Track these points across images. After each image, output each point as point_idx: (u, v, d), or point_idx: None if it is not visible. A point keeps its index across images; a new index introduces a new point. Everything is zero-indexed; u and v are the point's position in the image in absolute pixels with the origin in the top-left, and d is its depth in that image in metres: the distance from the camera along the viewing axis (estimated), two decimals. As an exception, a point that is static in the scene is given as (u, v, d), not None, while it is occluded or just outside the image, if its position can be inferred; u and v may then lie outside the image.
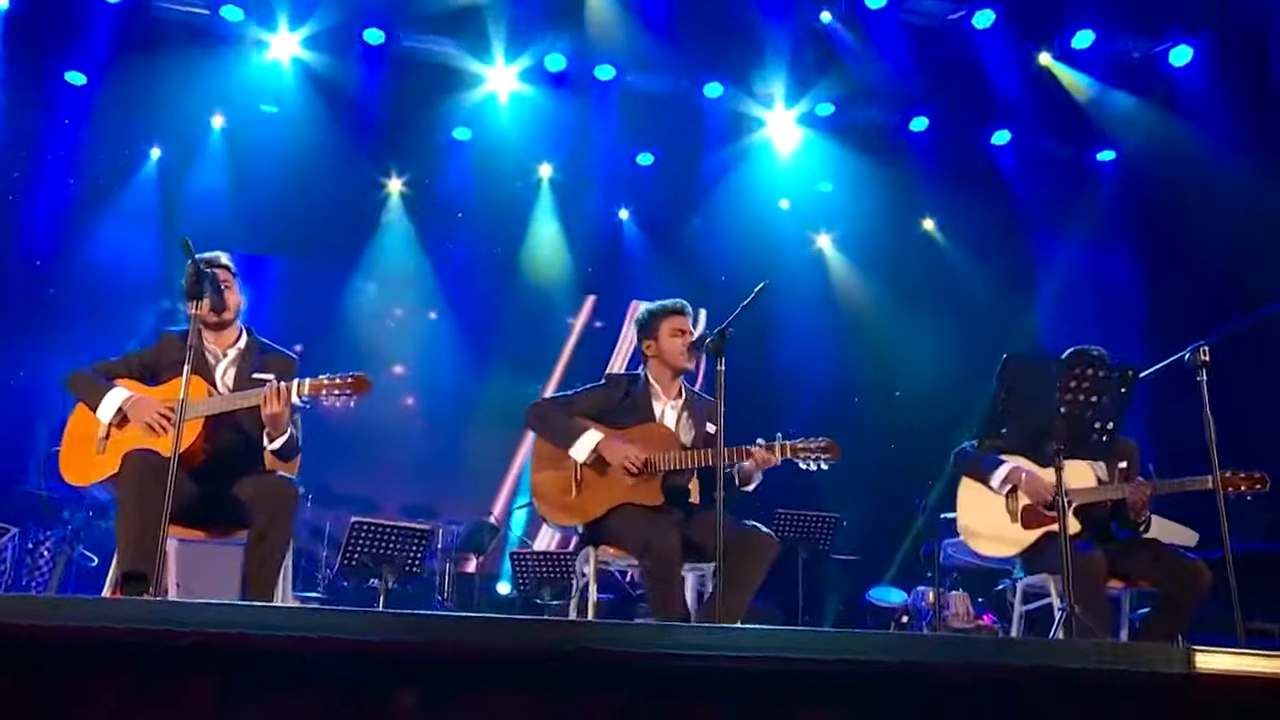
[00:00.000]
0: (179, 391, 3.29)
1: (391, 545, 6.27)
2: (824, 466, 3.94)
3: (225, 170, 9.04)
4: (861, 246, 10.06)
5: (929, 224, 10.17)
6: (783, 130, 9.80)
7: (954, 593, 6.78)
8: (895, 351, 9.62)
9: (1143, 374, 3.65)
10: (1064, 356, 4.14)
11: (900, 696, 1.93)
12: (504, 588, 8.90)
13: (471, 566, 8.68)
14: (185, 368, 3.27)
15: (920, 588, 7.07)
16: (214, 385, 3.84)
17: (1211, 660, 1.84)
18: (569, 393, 4.20)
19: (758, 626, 1.96)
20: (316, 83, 8.80)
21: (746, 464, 3.92)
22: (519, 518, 8.89)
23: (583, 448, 3.95)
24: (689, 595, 4.15)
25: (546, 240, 10.32)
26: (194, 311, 3.42)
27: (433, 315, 10.13)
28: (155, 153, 9.05)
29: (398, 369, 9.50)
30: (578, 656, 1.69)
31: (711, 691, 1.89)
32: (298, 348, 4.68)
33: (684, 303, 4.26)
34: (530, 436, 4.15)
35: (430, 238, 9.97)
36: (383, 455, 9.00)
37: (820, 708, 1.96)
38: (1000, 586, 6.34)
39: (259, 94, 8.83)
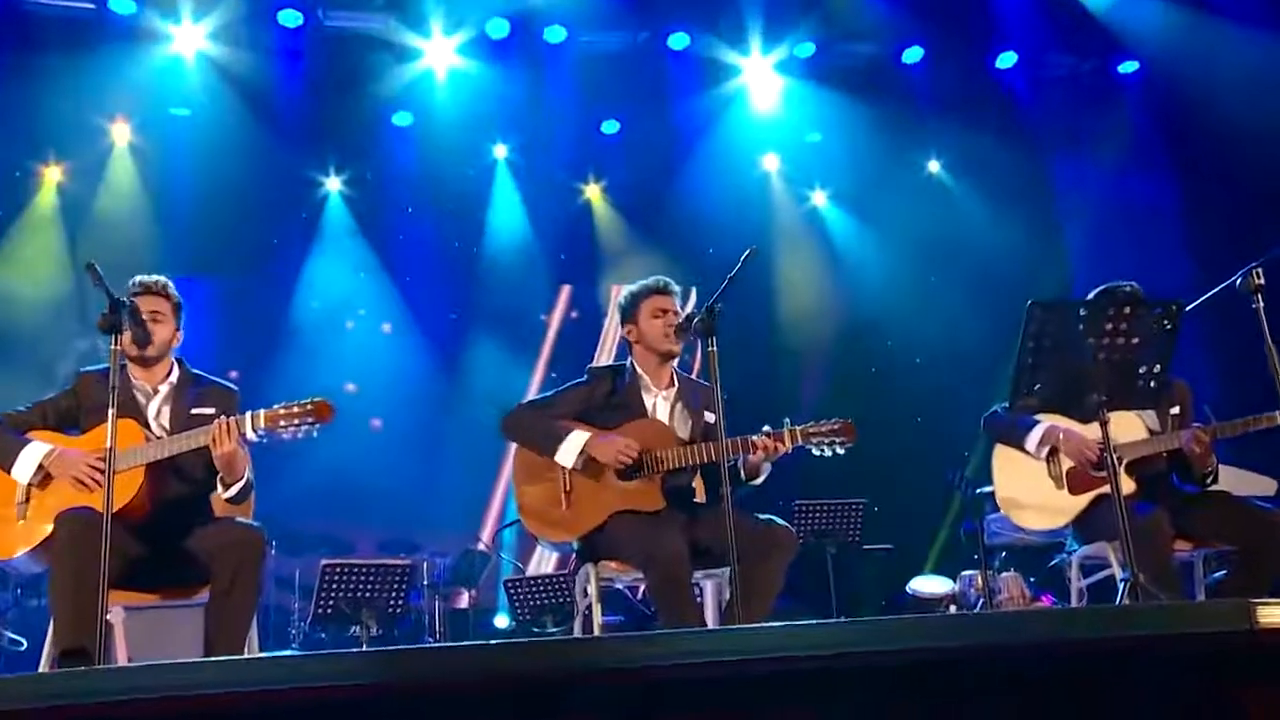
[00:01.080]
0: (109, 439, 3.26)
1: (369, 586, 6.25)
2: (840, 451, 3.92)
3: (136, 184, 9.00)
4: (862, 199, 10.07)
5: (935, 166, 10.18)
6: (760, 79, 9.80)
7: (1005, 574, 6.80)
8: (912, 313, 9.64)
9: (1189, 306, 3.65)
10: (1092, 297, 4.14)
11: (946, 684, 1.94)
12: (502, 621, 8.90)
13: (464, 601, 8.68)
14: (110, 411, 3.25)
15: (966, 573, 7.08)
16: (148, 427, 3.81)
17: (1277, 615, 1.85)
18: (548, 394, 4.18)
19: (786, 624, 1.96)
20: (230, 78, 8.76)
21: (752, 455, 3.92)
22: (508, 539, 8.88)
23: (569, 451, 3.94)
24: (709, 605, 4.15)
25: (510, 228, 10.31)
26: (114, 347, 3.39)
27: (386, 328, 10.12)
28: (52, 170, 8.92)
29: (350, 387, 9.47)
30: (576, 680, 1.69)
31: (738, 700, 1.90)
32: (233, 374, 4.67)
33: (665, 280, 4.24)
34: (512, 449, 4.14)
35: (379, 238, 9.96)
36: (350, 488, 8.99)
37: (868, 706, 1.97)
38: (1055, 562, 6.34)
39: (165, 96, 8.77)
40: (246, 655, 3.53)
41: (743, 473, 4.04)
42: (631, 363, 4.21)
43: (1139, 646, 1.89)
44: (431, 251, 9.98)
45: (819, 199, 10.47)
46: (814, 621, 2.00)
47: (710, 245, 9.46)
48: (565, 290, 10.64)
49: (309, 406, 3.60)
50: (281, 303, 9.66)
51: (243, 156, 8.74)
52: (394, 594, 6.30)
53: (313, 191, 9.84)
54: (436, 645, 7.47)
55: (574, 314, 10.58)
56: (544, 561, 9.28)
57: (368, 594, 6.28)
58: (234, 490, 3.74)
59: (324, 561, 6.37)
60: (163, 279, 3.94)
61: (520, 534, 8.47)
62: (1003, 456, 4.44)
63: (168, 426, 3.83)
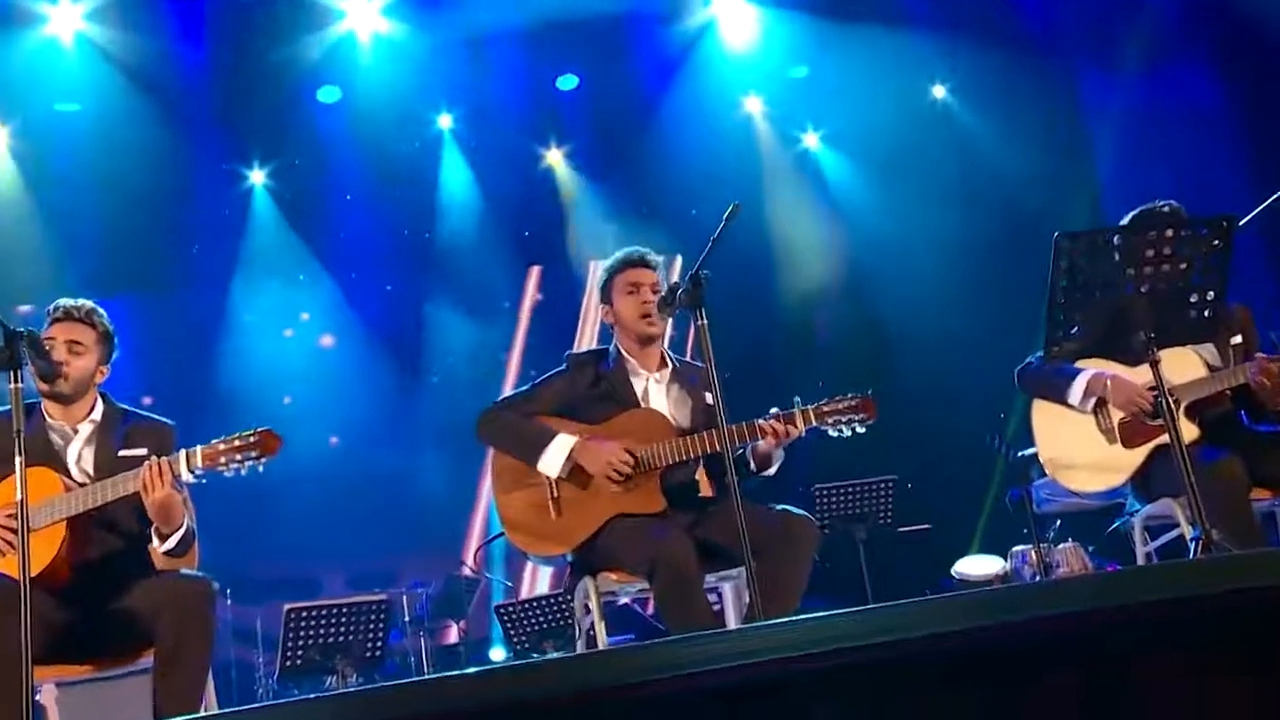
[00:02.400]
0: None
1: (342, 629, 6.25)
2: (860, 430, 3.91)
3: (21, 194, 8.91)
4: (860, 137, 10.04)
5: (940, 91, 10.16)
6: (732, 10, 9.77)
7: (1062, 546, 6.81)
8: (927, 261, 9.63)
9: (1242, 221, 3.63)
10: (1128, 222, 4.11)
11: (1001, 669, 1.94)
12: (499, 654, 8.90)
13: (453, 635, 8.69)
14: (18, 459, 3.20)
15: (1018, 548, 7.10)
16: (68, 475, 3.77)
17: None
18: (525, 388, 4.16)
19: (807, 617, 1.96)
20: (120, 65, 8.67)
21: (761, 442, 3.90)
22: (496, 556, 8.90)
23: (553, 459, 3.93)
24: (730, 611, 4.15)
25: (465, 208, 10.29)
26: (13, 385, 3.34)
27: (327, 341, 10.09)
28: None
29: (286, 399, 9.45)
30: (566, 705, 1.69)
31: (759, 713, 1.90)
32: (146, 400, 4.63)
33: (640, 251, 4.21)
34: (490, 454, 4.13)
35: (316, 233, 9.92)
36: (309, 520, 8.98)
37: (914, 702, 1.97)
38: (1115, 526, 6.35)
39: (46, 89, 8.66)
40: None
41: (752, 463, 4.02)
42: (616, 346, 4.19)
43: (1207, 605, 1.88)
44: (378, 242, 9.95)
45: (811, 141, 10.45)
46: (839, 612, 1.98)
47: (693, 206, 9.45)
48: (534, 272, 10.63)
49: (252, 438, 3.58)
50: (210, 318, 9.62)
51: (146, 155, 8.68)
52: (371, 635, 6.29)
53: (234, 187, 9.79)
54: (415, 680, 7.48)
55: (542, 297, 10.58)
56: (539, 579, 9.30)
57: (341, 638, 6.26)
58: (172, 541, 3.70)
59: (287, 606, 6.36)
60: (88, 304, 3.88)
61: (508, 550, 8.46)
62: (1043, 413, 4.43)
63: (91, 472, 3.78)
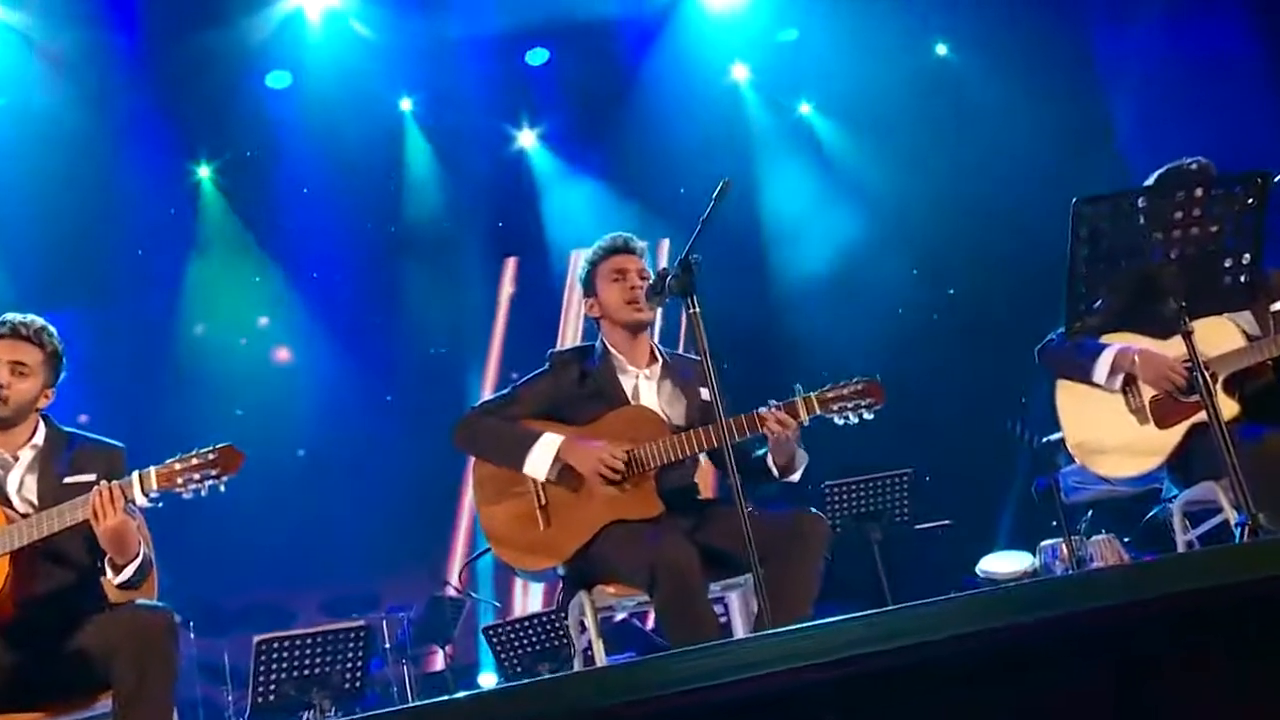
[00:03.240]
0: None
1: (318, 660, 6.23)
2: (868, 416, 3.92)
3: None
4: (858, 104, 10.05)
5: (941, 49, 10.17)
6: (713, -30, 9.79)
7: (1095, 539, 6.82)
8: (936, 237, 9.65)
9: (1279, 177, 3.64)
10: (1152, 182, 4.11)
11: (1027, 670, 1.94)
12: (489, 679, 8.91)
13: (438, 662, 8.70)
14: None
15: (1048, 543, 7.11)
16: (9, 505, 3.76)
17: None
18: (506, 391, 4.17)
19: (816, 623, 1.97)
20: (46, 55, 8.63)
21: (772, 438, 3.90)
22: (483, 574, 8.92)
23: (540, 460, 3.93)
24: (737, 621, 4.15)
25: (432, 198, 10.28)
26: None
27: (286, 348, 10.07)
28: None
29: (239, 412, 9.43)
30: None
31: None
32: (82, 418, 4.58)
33: (624, 236, 4.23)
34: (470, 463, 4.14)
35: (271, 231, 9.91)
36: (278, 542, 8.97)
37: (948, 706, 1.98)
38: (1153, 514, 6.36)
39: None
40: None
41: (773, 467, 4.02)
42: (601, 341, 4.21)
43: (1258, 592, 1.89)
44: (339, 238, 9.94)
45: (804, 109, 10.45)
46: (853, 616, 1.99)
47: (680, 184, 9.45)
48: (510, 264, 10.64)
49: (211, 456, 3.58)
50: (157, 327, 9.61)
51: (79, 152, 8.65)
52: (350, 664, 6.28)
53: (179, 184, 9.77)
54: (399, 709, 7.49)
55: (520, 291, 10.58)
56: (530, 597, 9.31)
57: (317, 669, 6.24)
58: (128, 572, 3.69)
59: (257, 638, 6.34)
60: (38, 321, 3.84)
61: (496, 566, 8.49)
62: (1068, 394, 4.43)
63: (35, 502, 3.76)
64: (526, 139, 10.45)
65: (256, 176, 9.82)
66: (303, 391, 9.84)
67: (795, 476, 4.06)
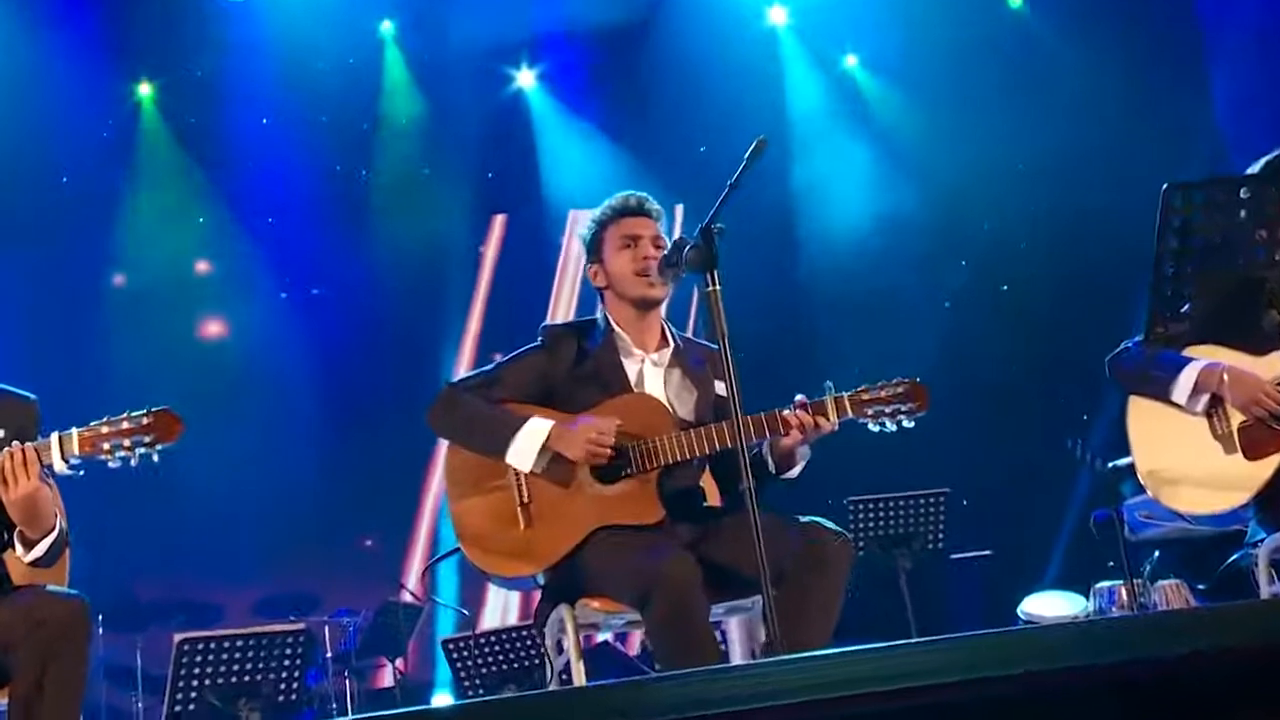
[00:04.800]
0: None
1: (248, 666, 6.26)
2: (908, 424, 3.91)
3: None
4: (912, 59, 10.06)
5: (1016, 2, 10.15)
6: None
7: (1161, 583, 6.83)
8: (995, 218, 9.66)
9: None
10: (1258, 170, 4.12)
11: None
12: (444, 699, 8.95)
13: (387, 677, 8.72)
14: None
15: (1104, 585, 7.13)
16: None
17: None
18: (490, 367, 4.16)
19: (844, 650, 1.99)
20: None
21: (784, 437, 3.91)
22: (445, 579, 8.94)
23: (525, 448, 3.91)
24: (737, 651, 4.14)
25: (411, 140, 10.28)
26: None
27: (214, 330, 10.05)
28: None
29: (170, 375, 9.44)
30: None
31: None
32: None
33: (638, 196, 4.20)
34: (442, 447, 4.14)
35: (221, 166, 9.92)
36: (208, 526, 9.00)
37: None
38: (1233, 559, 6.36)
39: None
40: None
41: (770, 463, 4.02)
42: (604, 316, 4.19)
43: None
44: (301, 180, 9.95)
45: (850, 63, 10.45)
46: (882, 645, 2.02)
47: (700, 141, 9.45)
48: (498, 222, 10.65)
49: (145, 420, 3.58)
50: (84, 272, 9.61)
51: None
52: (285, 673, 6.32)
53: (115, 104, 9.77)
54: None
55: (507, 253, 10.58)
56: (503, 606, 9.33)
57: (246, 677, 6.27)
58: (40, 549, 3.69)
59: (179, 636, 6.36)
60: None
61: (465, 569, 8.47)
62: (1142, 414, 4.43)
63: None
64: (525, 79, 10.46)
65: (207, 101, 9.84)
66: (247, 357, 9.85)
67: (794, 474, 4.07)
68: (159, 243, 9.84)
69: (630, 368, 4.11)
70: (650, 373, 4.13)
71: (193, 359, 9.92)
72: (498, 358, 4.33)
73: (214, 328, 10.30)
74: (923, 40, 9.87)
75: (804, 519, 3.88)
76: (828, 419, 3.88)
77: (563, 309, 10.20)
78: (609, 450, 3.87)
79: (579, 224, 10.62)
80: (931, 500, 7.22)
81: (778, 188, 9.81)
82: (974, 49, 9.80)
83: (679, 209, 9.51)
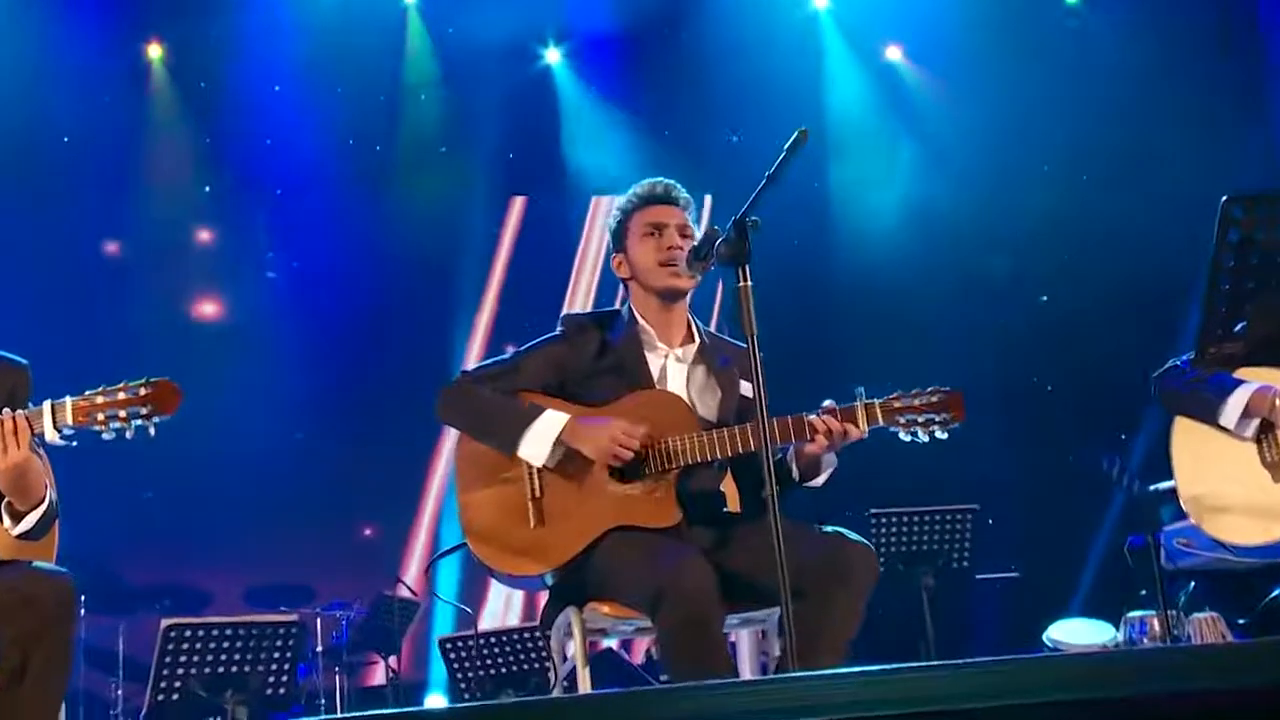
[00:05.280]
0: None
1: (237, 656, 6.28)
2: (941, 435, 3.91)
3: None
4: (958, 53, 10.03)
5: (1073, -1, 10.12)
6: None
7: (1198, 616, 6.80)
8: (1039, 223, 9.64)
9: None
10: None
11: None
12: (437, 700, 8.95)
13: (379, 674, 8.74)
14: None
15: (1136, 614, 7.11)
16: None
17: None
18: (506, 356, 4.17)
19: (864, 670, 1.98)
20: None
21: (810, 443, 3.91)
22: (446, 575, 8.93)
23: (538, 442, 3.91)
24: (745, 663, 4.16)
25: (429, 114, 10.28)
26: None
27: (212, 302, 10.07)
28: None
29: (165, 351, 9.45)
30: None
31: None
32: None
33: (665, 183, 4.22)
34: (449, 437, 4.15)
35: (230, 133, 9.92)
36: (203, 510, 9.01)
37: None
38: (1277, 594, 6.35)
39: None
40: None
41: (794, 469, 4.03)
42: (628, 308, 4.20)
43: None
44: (313, 152, 9.96)
45: (893, 54, 10.44)
46: (899, 667, 2.02)
47: (732, 129, 9.44)
48: (517, 204, 10.64)
49: (143, 390, 3.59)
50: (81, 239, 9.62)
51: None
52: (275, 666, 6.34)
53: (123, 67, 9.77)
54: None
55: (520, 237, 10.57)
56: (504, 606, 9.34)
57: (235, 667, 6.29)
58: (29, 522, 3.70)
59: (166, 622, 6.37)
60: None
61: (468, 565, 8.45)
62: (1187, 436, 4.42)
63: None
64: (553, 56, 10.45)
65: (219, 65, 9.84)
66: (247, 333, 9.86)
67: (819, 482, 4.07)
68: (160, 209, 9.85)
69: (653, 362, 4.12)
70: (673, 368, 4.14)
71: (188, 331, 9.96)
72: (510, 348, 4.33)
73: (212, 299, 10.31)
74: (971, 33, 9.84)
75: (828, 529, 3.88)
76: (857, 426, 3.87)
77: (580, 299, 10.20)
78: (631, 455, 3.88)
79: (601, 211, 10.69)
80: (958, 516, 7.22)
81: (811, 182, 9.80)
82: (1024, 46, 9.79)
83: (707, 199, 9.53)
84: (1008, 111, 9.74)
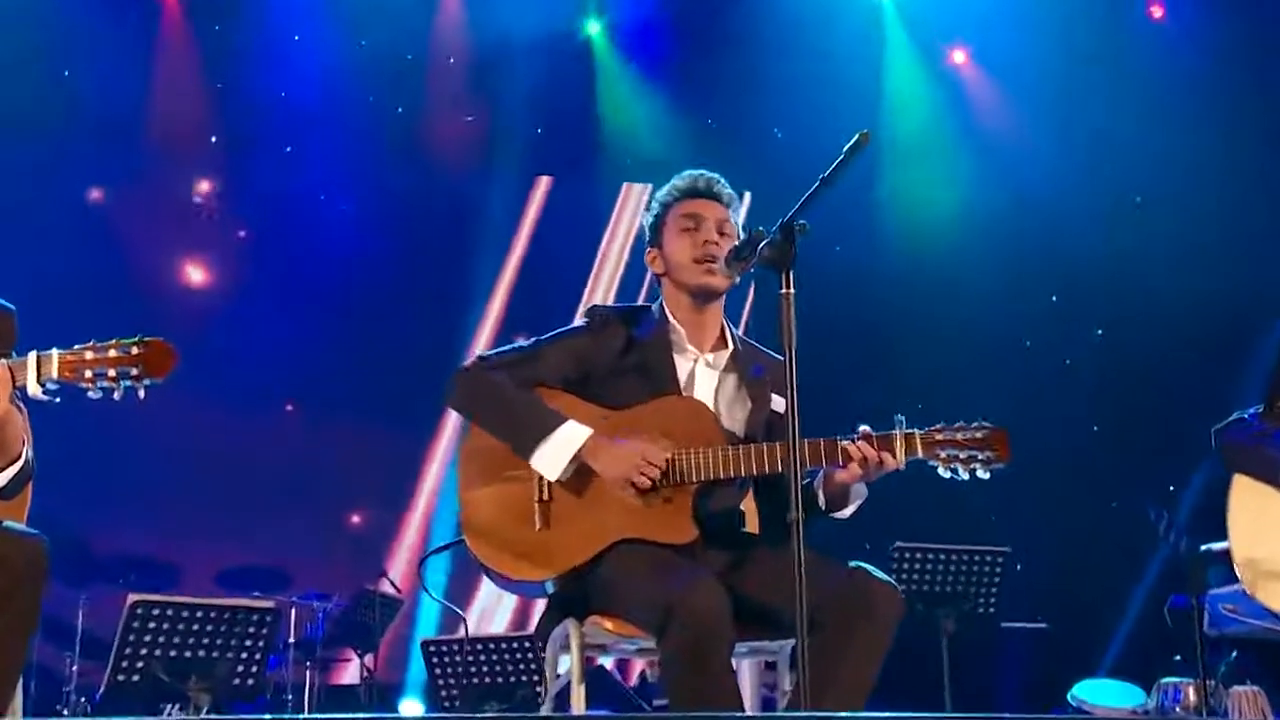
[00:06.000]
0: None
1: (204, 640, 6.30)
2: (983, 474, 3.91)
3: None
4: (1028, 61, 10.02)
5: (1158, 11, 10.07)
6: None
7: (1238, 690, 6.79)
8: (1095, 255, 9.62)
9: None
10: None
11: None
12: (413, 706, 8.96)
13: (352, 673, 8.74)
14: None
15: (1170, 681, 7.11)
16: None
17: None
18: (528, 344, 4.16)
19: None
20: None
21: (840, 471, 3.92)
22: (435, 573, 8.93)
23: (554, 455, 3.91)
24: (748, 697, 4.11)
25: (457, 79, 10.27)
26: None
27: (203, 261, 10.07)
28: None
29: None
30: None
31: None
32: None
33: (708, 177, 4.22)
34: (451, 424, 4.15)
35: (240, 84, 9.96)
36: (179, 482, 9.03)
37: None
38: (1329, 672, 6.34)
39: None
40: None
41: (820, 497, 4.04)
42: (659, 306, 4.21)
43: None
44: (327, 108, 9.97)
45: (958, 58, 10.45)
46: (914, 716, 2.04)
47: (777, 124, 9.44)
48: (542, 184, 10.65)
49: (135, 350, 3.57)
50: (69, 184, 9.62)
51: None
52: (245, 654, 6.35)
53: (136, 3, 9.80)
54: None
55: (542, 220, 10.57)
56: (495, 607, 9.35)
57: (202, 652, 6.31)
58: (3, 478, 3.71)
59: (134, 597, 6.38)
60: None
61: (458, 562, 8.41)
62: (1248, 495, 4.41)
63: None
64: (593, 29, 10.45)
65: (236, 9, 9.90)
66: (246, 296, 9.89)
67: (846, 513, 4.07)
68: (159, 157, 9.88)
69: (681, 366, 4.12)
70: (702, 374, 4.14)
71: (174, 289, 9.98)
72: (519, 339, 4.33)
73: (205, 256, 10.33)
74: (1042, 41, 9.82)
75: (851, 564, 3.87)
76: (894, 456, 3.87)
77: (601, 292, 10.22)
78: (649, 485, 3.88)
79: (632, 199, 10.68)
80: (988, 559, 7.22)
81: (858, 189, 9.76)
82: (1100, 57, 9.77)
83: (746, 196, 9.53)
84: (1075, 128, 9.74)
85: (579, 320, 4.23)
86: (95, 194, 10.02)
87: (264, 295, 9.84)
